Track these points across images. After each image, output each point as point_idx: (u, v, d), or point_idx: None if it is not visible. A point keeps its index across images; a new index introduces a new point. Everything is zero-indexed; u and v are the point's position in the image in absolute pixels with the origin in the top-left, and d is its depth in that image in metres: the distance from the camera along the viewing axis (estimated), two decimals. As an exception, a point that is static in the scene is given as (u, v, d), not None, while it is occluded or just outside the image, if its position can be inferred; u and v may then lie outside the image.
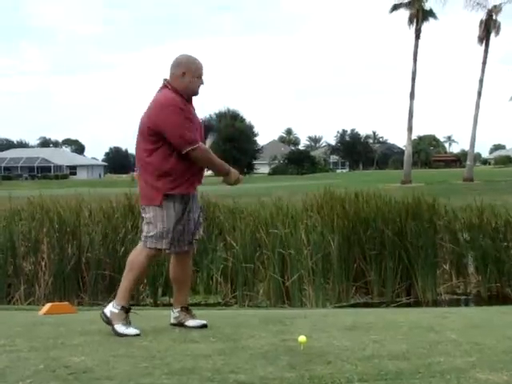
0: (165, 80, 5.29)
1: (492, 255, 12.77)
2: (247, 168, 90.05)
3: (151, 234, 5.18)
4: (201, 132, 5.35)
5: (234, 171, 5.36)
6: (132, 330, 5.11)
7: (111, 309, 5.20)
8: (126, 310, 5.19)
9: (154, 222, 5.18)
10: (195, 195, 5.39)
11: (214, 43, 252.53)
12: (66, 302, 7.81)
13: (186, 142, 5.09)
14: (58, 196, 15.36)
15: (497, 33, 51.91)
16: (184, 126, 5.10)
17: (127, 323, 5.15)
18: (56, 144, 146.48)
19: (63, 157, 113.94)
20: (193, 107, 5.33)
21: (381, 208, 13.22)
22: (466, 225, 13.55)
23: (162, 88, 5.27)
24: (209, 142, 5.54)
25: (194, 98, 5.33)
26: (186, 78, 5.18)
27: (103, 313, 5.24)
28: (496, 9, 51.81)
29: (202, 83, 5.27)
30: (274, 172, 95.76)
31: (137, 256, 5.26)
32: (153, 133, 5.13)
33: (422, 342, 4.70)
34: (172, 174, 5.15)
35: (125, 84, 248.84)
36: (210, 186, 14.07)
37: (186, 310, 5.46)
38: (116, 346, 4.73)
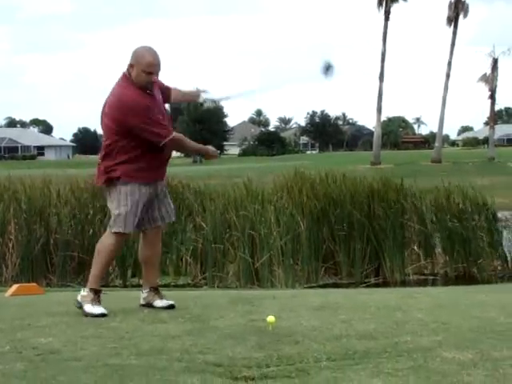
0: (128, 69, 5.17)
1: (459, 236, 12.94)
2: (217, 149, 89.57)
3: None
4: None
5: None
6: (97, 309, 5.09)
7: (82, 293, 5.21)
8: (94, 291, 5.19)
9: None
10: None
11: (185, 22, 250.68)
12: (34, 283, 7.74)
13: (159, 137, 5.10)
14: (25, 177, 15.19)
15: (465, 15, 52.23)
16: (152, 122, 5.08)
17: (95, 303, 5.14)
18: (23, 124, 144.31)
19: (31, 137, 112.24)
20: (155, 90, 5.22)
21: (349, 189, 13.29)
22: (434, 206, 13.68)
23: (121, 78, 5.17)
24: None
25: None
26: (134, 71, 5.10)
27: (76, 300, 5.22)
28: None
29: (150, 80, 5.11)
30: (244, 153, 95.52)
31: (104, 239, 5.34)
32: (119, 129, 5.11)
33: (390, 322, 4.74)
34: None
35: (94, 63, 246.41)
36: (179, 167, 13.99)
37: (155, 290, 5.45)
38: (84, 326, 4.70)
